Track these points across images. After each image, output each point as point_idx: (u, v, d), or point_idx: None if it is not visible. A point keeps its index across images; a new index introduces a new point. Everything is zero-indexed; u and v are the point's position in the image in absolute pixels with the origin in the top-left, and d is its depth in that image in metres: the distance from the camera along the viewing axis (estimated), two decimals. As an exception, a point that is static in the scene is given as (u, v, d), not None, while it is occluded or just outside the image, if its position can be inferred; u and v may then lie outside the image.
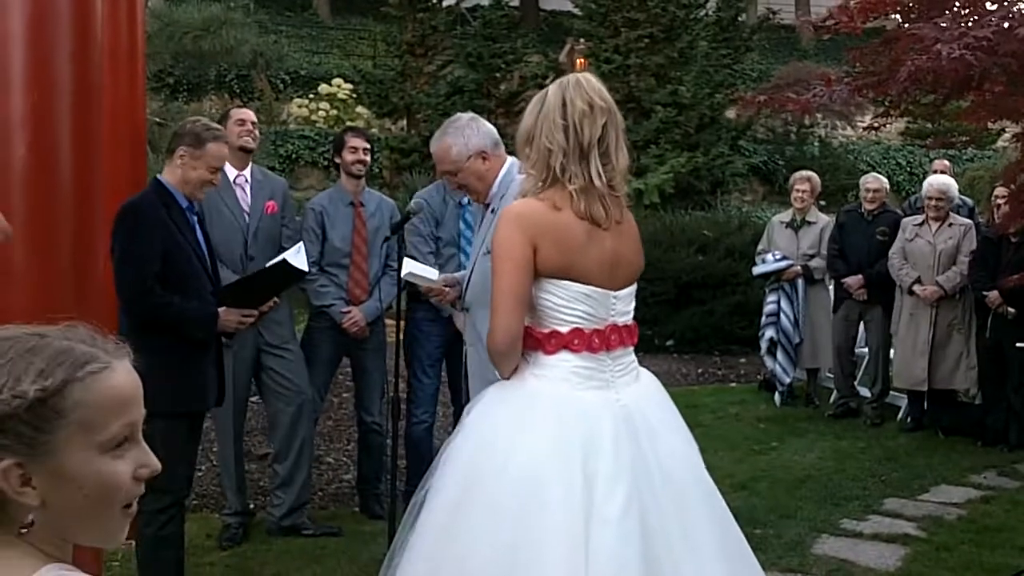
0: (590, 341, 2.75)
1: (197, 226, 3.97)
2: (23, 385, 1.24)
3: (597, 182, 2.71)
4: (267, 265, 4.15)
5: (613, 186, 2.77)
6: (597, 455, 2.62)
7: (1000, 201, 7.06)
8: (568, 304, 2.74)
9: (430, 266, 4.60)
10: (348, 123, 15.01)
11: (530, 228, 2.70)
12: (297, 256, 4.13)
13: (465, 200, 5.01)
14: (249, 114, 5.11)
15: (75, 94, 3.74)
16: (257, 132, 5.09)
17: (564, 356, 2.75)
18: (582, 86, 2.76)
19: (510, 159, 3.88)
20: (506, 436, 2.70)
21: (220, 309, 3.91)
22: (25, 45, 3.67)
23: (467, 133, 3.85)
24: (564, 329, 2.75)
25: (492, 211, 3.79)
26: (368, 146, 5.38)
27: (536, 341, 2.77)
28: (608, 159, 2.75)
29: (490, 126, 3.96)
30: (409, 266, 4.14)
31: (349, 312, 5.21)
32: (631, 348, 2.89)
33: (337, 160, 5.39)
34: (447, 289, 4.04)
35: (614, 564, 2.52)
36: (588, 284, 2.74)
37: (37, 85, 3.68)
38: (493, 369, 3.60)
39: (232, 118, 4.98)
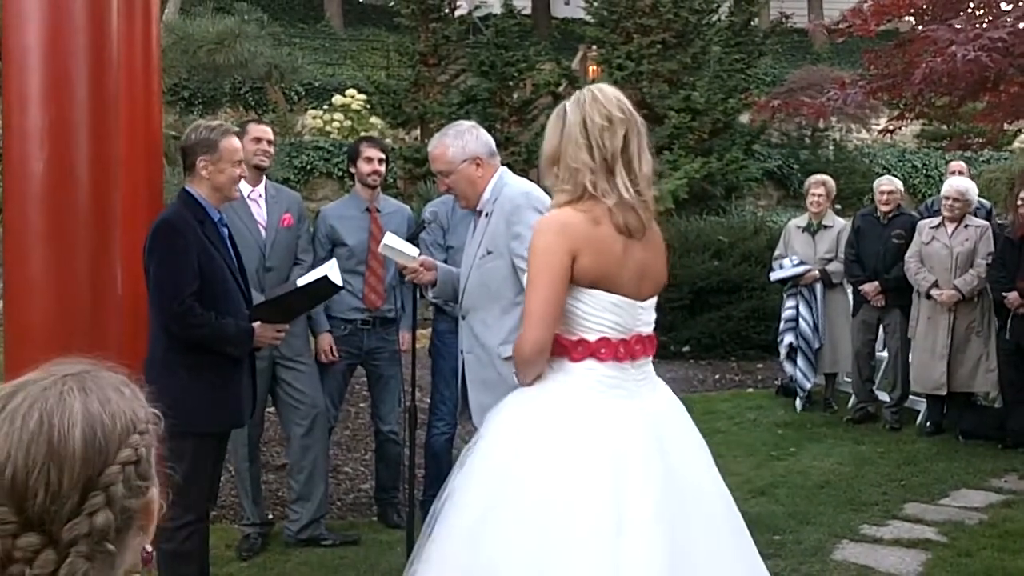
0: (616, 350, 2.75)
1: (228, 239, 3.98)
2: (141, 414, 1.22)
3: (626, 195, 2.73)
4: (308, 281, 4.14)
5: (640, 192, 2.78)
6: (626, 464, 2.62)
7: (1020, 203, 7.02)
8: (598, 313, 2.74)
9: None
10: (363, 133, 15.05)
11: (572, 238, 2.70)
12: (333, 271, 4.13)
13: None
14: (266, 131, 5.06)
15: (92, 108, 3.77)
16: (272, 149, 5.09)
17: (590, 364, 2.75)
18: (598, 100, 2.77)
19: (502, 168, 3.95)
20: (534, 444, 2.69)
21: (255, 324, 3.92)
22: (42, 60, 3.70)
23: (466, 138, 3.91)
24: (592, 337, 2.75)
25: (486, 216, 3.82)
26: (383, 156, 5.38)
27: (563, 348, 2.77)
28: (632, 169, 2.76)
29: (488, 136, 4.01)
30: (389, 240, 4.14)
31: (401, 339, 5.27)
32: (650, 358, 2.90)
33: (352, 170, 5.40)
34: (421, 268, 4.04)
35: (643, 573, 2.51)
36: (618, 294, 2.74)
37: (54, 100, 3.71)
38: (495, 374, 3.63)
39: (249, 134, 4.95)
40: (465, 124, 4.03)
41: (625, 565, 2.51)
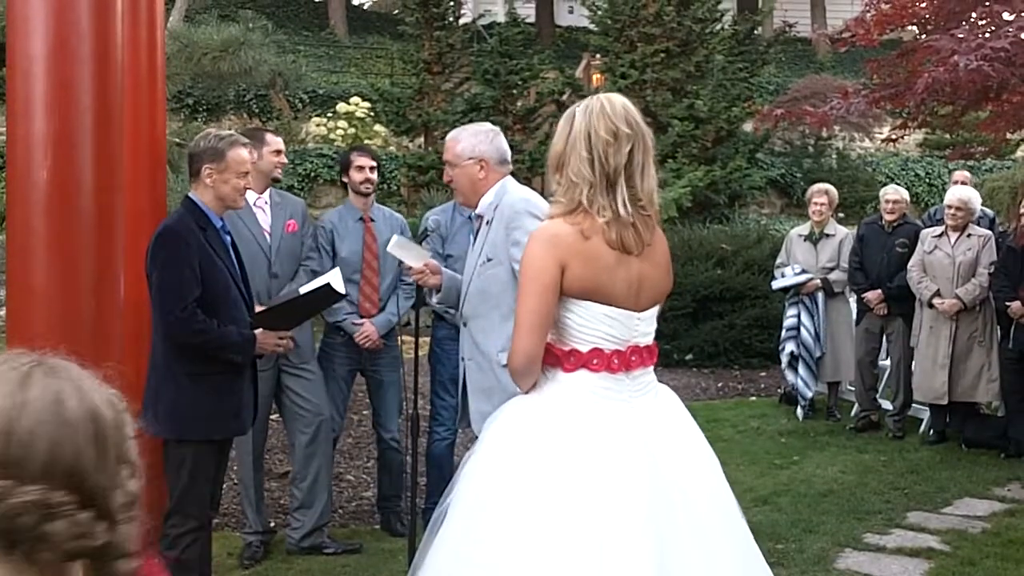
0: (609, 361, 2.74)
1: (230, 247, 3.99)
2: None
3: (623, 212, 2.70)
4: (310, 289, 4.14)
5: (643, 207, 2.76)
6: (614, 474, 2.61)
7: (1023, 212, 7.02)
8: (590, 324, 2.73)
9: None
10: (366, 141, 15.11)
11: (561, 249, 2.69)
12: (335, 279, 4.14)
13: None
14: (281, 143, 5.12)
15: (96, 116, 3.78)
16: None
17: (583, 375, 2.74)
18: (606, 113, 2.73)
19: (507, 178, 3.96)
20: (524, 451, 2.69)
21: (257, 332, 3.92)
22: (47, 68, 3.71)
23: (479, 138, 3.95)
24: (584, 348, 2.74)
25: (487, 223, 3.84)
26: (374, 164, 5.43)
27: (556, 358, 2.76)
28: (633, 184, 2.73)
29: (505, 145, 4.05)
30: (397, 240, 4.15)
31: (362, 325, 5.24)
32: (651, 368, 2.88)
33: (345, 179, 5.45)
34: (427, 271, 4.06)
35: None
36: (612, 306, 2.73)
37: (59, 107, 3.72)
38: (494, 380, 3.64)
39: (270, 146, 4.97)
40: (487, 126, 4.10)
41: (610, 572, 2.50)
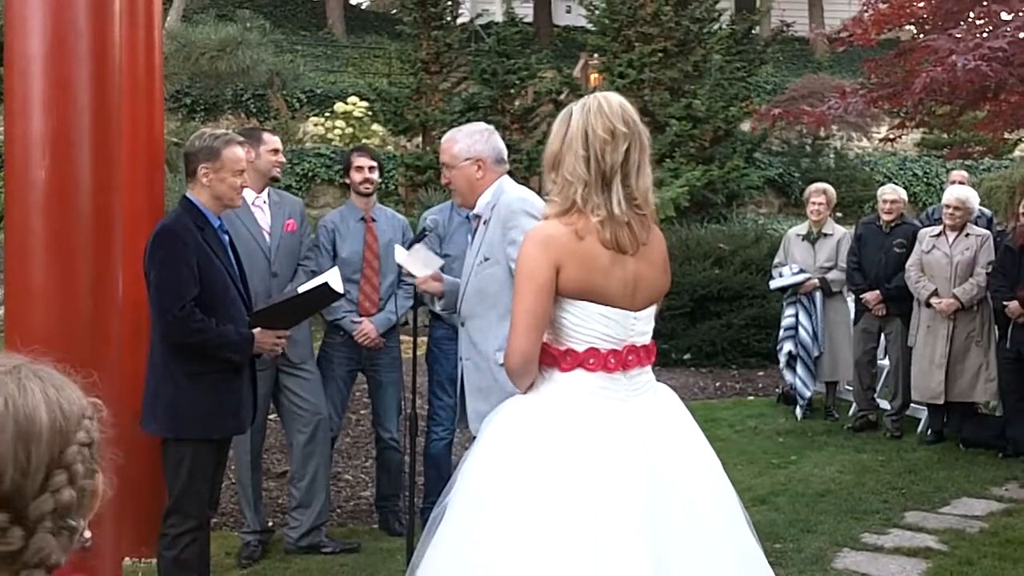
0: (606, 361, 2.74)
1: (228, 246, 3.99)
2: (87, 402, 1.30)
3: (617, 211, 2.70)
4: (308, 288, 4.15)
5: (638, 206, 2.76)
6: (610, 474, 2.61)
7: (1022, 211, 7.03)
8: (586, 324, 2.73)
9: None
10: (364, 141, 15.10)
11: (555, 250, 2.69)
12: (334, 278, 4.14)
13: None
14: (279, 142, 5.12)
15: (94, 116, 3.78)
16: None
17: (579, 375, 2.74)
18: (603, 111, 2.73)
19: (504, 177, 3.97)
20: (519, 453, 2.69)
21: (255, 331, 3.92)
22: (44, 67, 3.71)
23: (475, 138, 3.97)
24: (580, 348, 2.74)
25: (484, 223, 3.85)
26: (374, 164, 5.44)
27: (552, 358, 2.77)
28: (628, 183, 2.73)
29: (501, 143, 4.06)
30: (406, 255, 4.20)
31: (361, 323, 5.24)
32: (648, 367, 2.88)
33: (346, 180, 5.47)
34: (429, 279, 4.08)
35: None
36: (608, 305, 2.73)
37: (56, 107, 3.72)
38: (491, 380, 3.64)
39: (267, 145, 4.98)
40: (481, 126, 4.11)
41: (604, 570, 2.51)
